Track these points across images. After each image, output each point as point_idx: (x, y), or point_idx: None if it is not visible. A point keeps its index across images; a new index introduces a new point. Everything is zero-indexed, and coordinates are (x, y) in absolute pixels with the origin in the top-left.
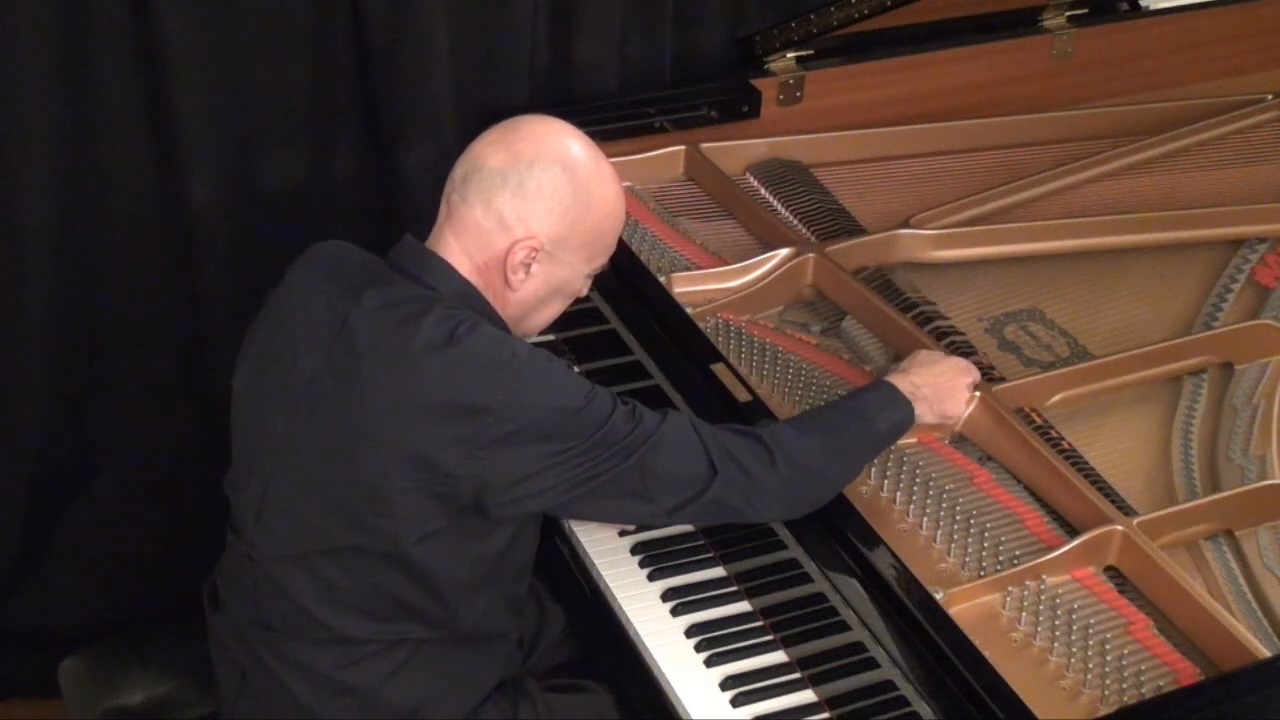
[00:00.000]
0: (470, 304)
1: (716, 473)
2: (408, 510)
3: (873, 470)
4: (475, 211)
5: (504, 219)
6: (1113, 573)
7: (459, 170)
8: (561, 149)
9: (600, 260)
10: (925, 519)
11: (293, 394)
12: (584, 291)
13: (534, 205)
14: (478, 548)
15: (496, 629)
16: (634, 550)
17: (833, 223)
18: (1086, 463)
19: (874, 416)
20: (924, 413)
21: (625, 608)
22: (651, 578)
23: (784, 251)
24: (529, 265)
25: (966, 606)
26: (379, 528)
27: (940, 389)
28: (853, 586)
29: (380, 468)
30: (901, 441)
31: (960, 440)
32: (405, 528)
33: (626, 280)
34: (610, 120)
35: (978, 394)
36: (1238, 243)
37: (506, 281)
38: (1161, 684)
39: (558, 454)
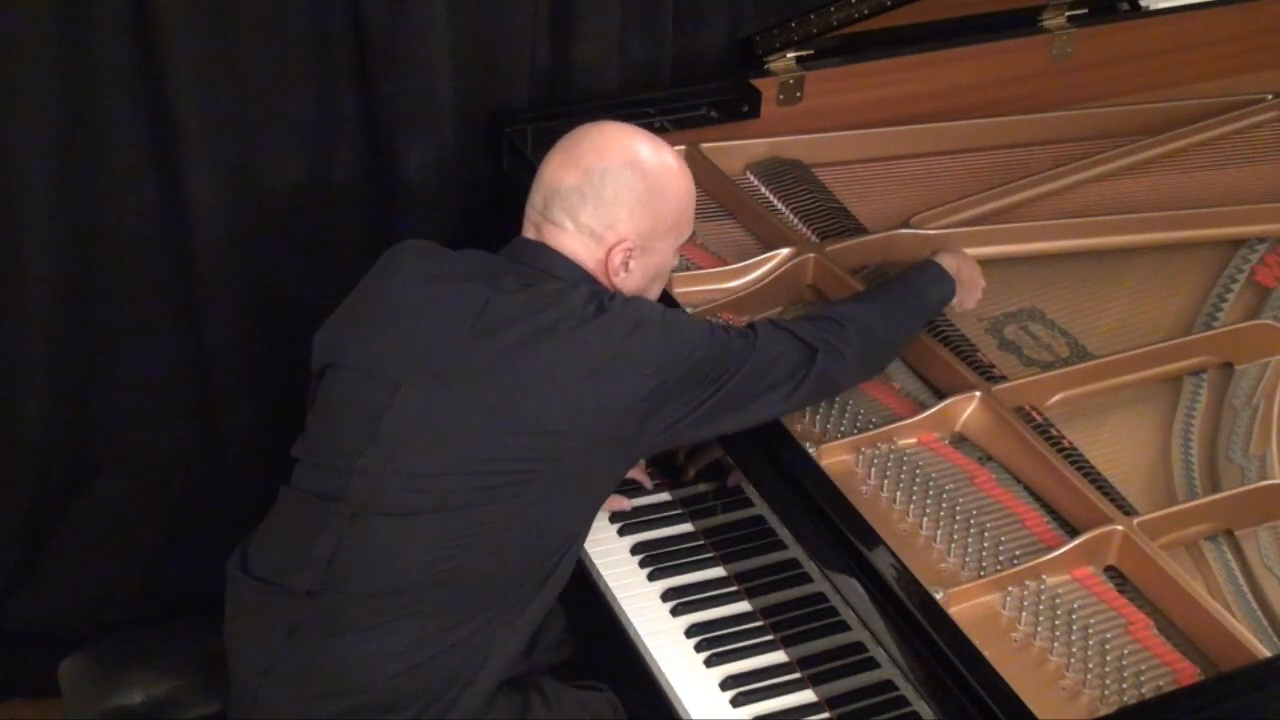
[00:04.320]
0: (599, 288)
1: (815, 350)
2: (555, 469)
3: (873, 470)
4: (566, 229)
5: (594, 231)
6: (1113, 573)
7: (537, 197)
8: (623, 151)
9: (686, 234)
10: (925, 519)
11: (432, 370)
12: (675, 263)
13: (616, 211)
14: (572, 520)
15: (547, 607)
16: (634, 550)
17: (833, 222)
18: (1087, 462)
19: (926, 290)
20: (955, 291)
21: (625, 608)
22: (651, 578)
23: (784, 251)
24: (627, 264)
25: (966, 606)
26: (509, 488)
27: (971, 280)
28: (853, 586)
29: (539, 429)
30: (901, 441)
31: (960, 440)
32: (544, 485)
33: None
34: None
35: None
36: (1238, 243)
37: (610, 282)
38: (1161, 684)
39: (703, 387)
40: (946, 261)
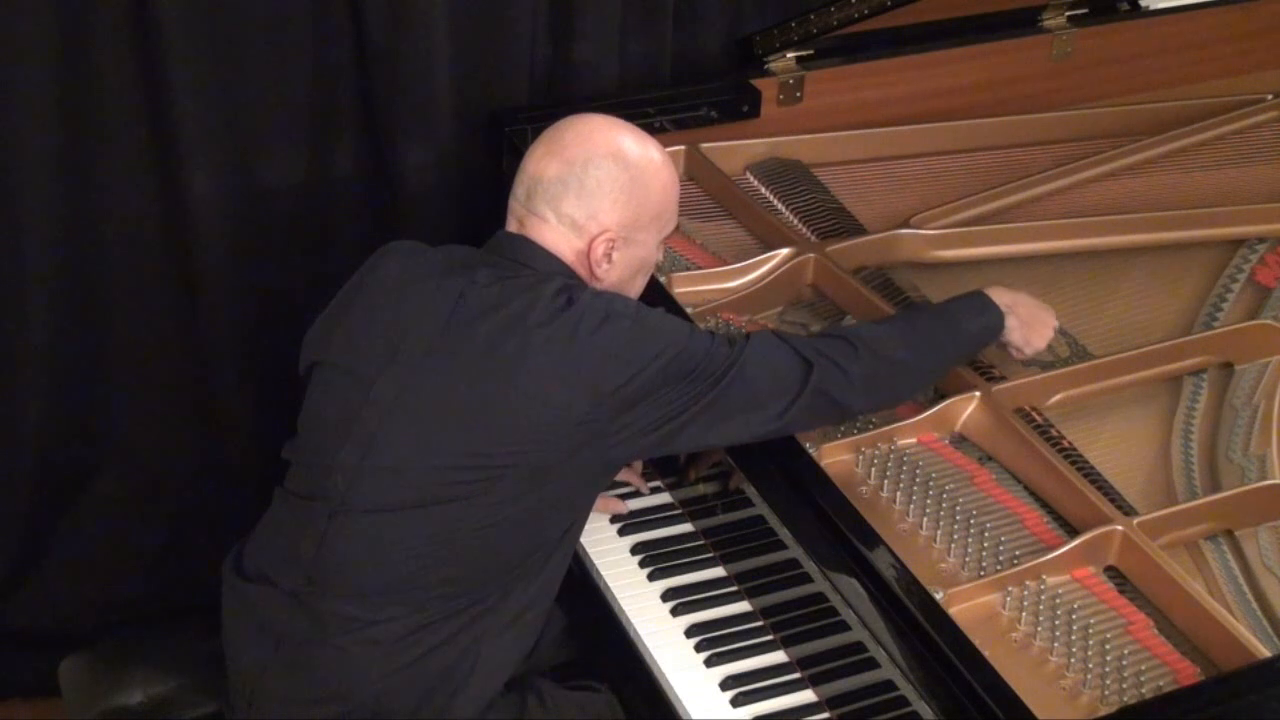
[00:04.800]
0: (574, 281)
1: (811, 365)
2: (527, 462)
3: (872, 470)
4: (548, 221)
5: (575, 221)
6: (1113, 573)
7: (520, 189)
8: (606, 142)
9: (669, 228)
10: (925, 519)
11: (405, 364)
12: (660, 258)
13: (599, 202)
14: (560, 516)
15: (542, 609)
16: (634, 550)
17: (833, 222)
18: (1087, 463)
19: (961, 318)
20: (1013, 328)
21: (625, 608)
22: (651, 578)
23: (784, 251)
24: (610, 255)
25: (966, 606)
26: (480, 483)
27: (1035, 317)
28: (853, 586)
29: (508, 422)
30: (901, 441)
31: (960, 440)
32: (518, 479)
33: None
34: None
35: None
36: (1238, 243)
37: (592, 274)
38: (1161, 684)
39: (677, 388)
40: (999, 294)
